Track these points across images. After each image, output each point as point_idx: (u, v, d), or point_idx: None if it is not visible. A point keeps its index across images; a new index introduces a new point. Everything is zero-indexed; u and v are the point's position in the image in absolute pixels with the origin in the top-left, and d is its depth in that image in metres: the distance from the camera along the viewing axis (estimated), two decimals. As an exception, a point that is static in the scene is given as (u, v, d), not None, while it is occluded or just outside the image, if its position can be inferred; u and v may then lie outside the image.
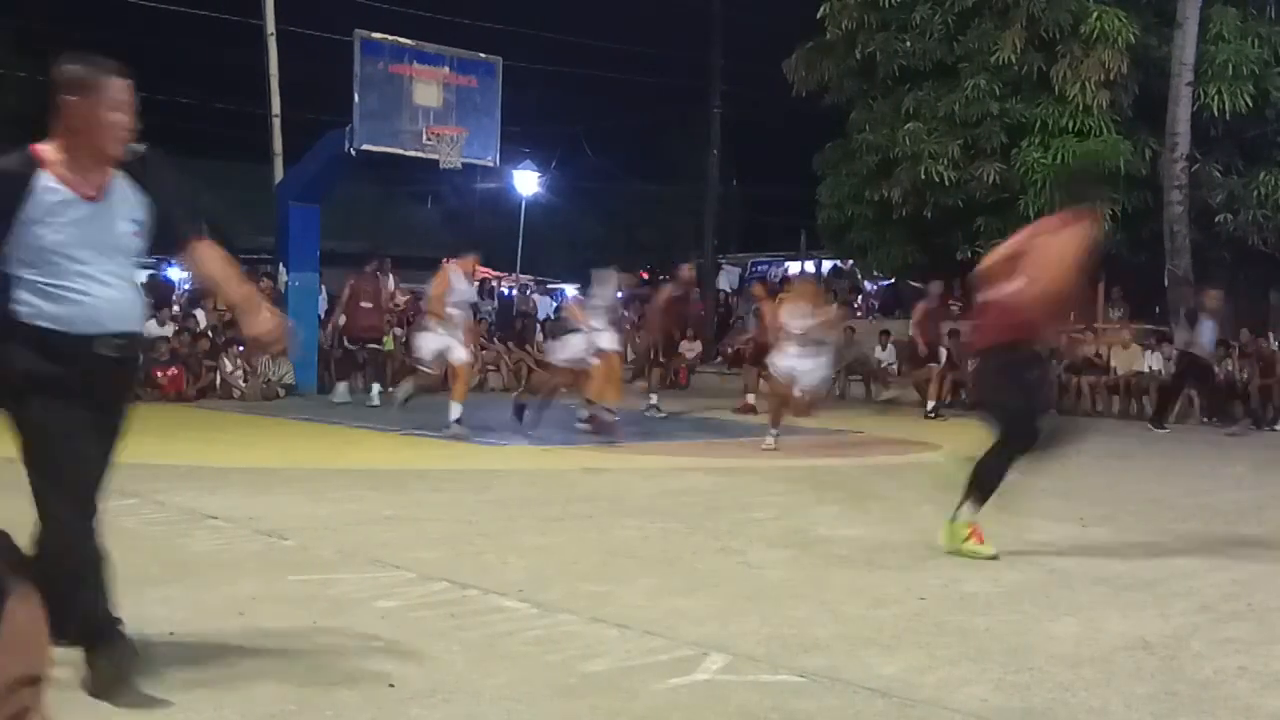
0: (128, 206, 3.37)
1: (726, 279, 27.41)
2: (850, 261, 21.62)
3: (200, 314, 16.41)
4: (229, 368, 14.76)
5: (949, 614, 4.39)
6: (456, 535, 5.76)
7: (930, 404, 14.00)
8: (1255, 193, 16.36)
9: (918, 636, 4.07)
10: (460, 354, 10.55)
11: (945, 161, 16.97)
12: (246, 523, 5.85)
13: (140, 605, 4.23)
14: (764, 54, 20.65)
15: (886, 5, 17.58)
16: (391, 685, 3.39)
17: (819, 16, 18.45)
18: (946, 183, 17.01)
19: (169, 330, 15.32)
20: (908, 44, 17.74)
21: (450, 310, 10.42)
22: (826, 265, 23.90)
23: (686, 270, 15.23)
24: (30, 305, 3.22)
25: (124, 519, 6.00)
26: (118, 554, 5.13)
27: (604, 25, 25.99)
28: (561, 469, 8.66)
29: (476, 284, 11.27)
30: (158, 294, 18.10)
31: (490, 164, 15.89)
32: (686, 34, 25.32)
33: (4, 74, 21.12)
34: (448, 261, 11.05)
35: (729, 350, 20.80)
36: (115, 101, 3.30)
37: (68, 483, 3.27)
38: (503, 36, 21.96)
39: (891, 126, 17.67)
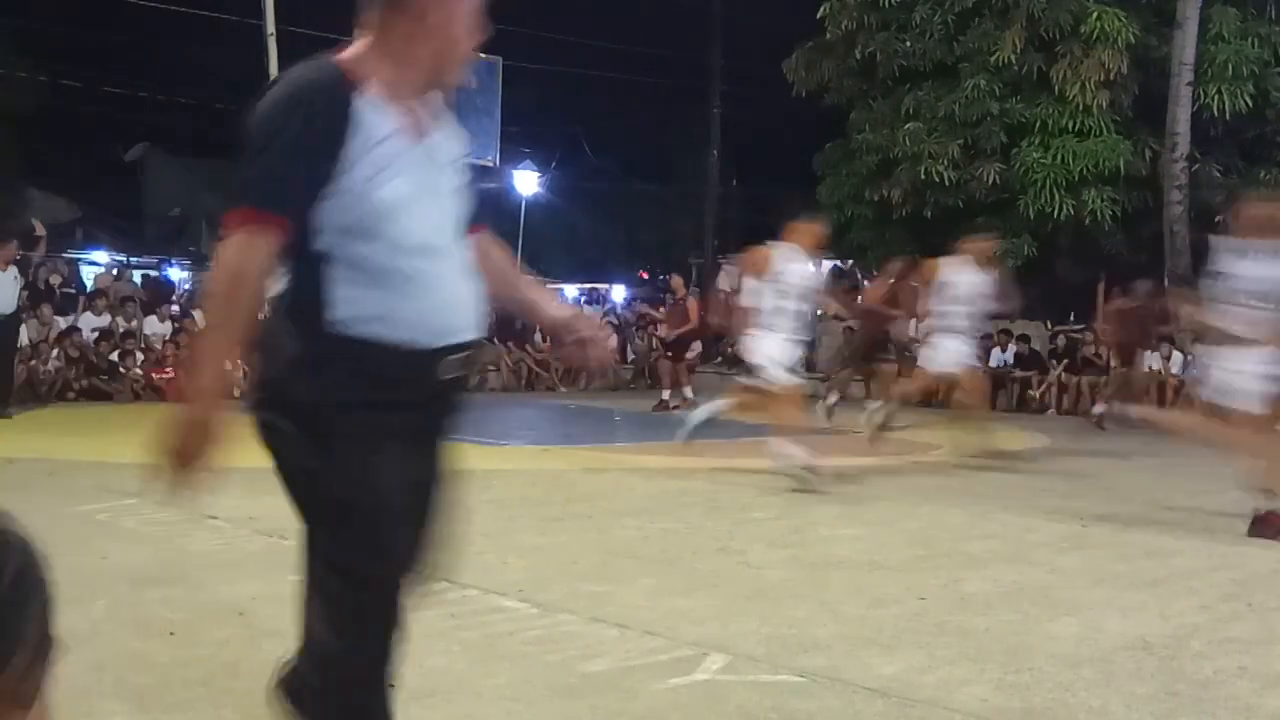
0: (457, 154, 2.31)
1: (726, 279, 27.41)
2: (850, 261, 21.61)
3: (200, 315, 16.42)
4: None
5: (949, 614, 4.39)
6: (456, 535, 5.75)
7: (1104, 408, 12.98)
8: (1255, 193, 16.35)
9: (918, 636, 4.07)
10: (777, 374, 7.73)
11: (945, 161, 16.97)
12: (246, 523, 5.85)
13: (140, 605, 4.24)
14: (764, 54, 20.65)
15: (886, 5, 17.57)
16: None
17: (819, 16, 18.45)
18: (946, 183, 17.01)
19: (168, 330, 15.34)
20: (908, 44, 17.74)
21: (779, 304, 7.76)
22: (826, 265, 23.86)
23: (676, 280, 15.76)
24: (352, 305, 2.09)
25: (124, 519, 6.02)
26: (118, 554, 5.16)
27: (604, 25, 25.99)
28: (561, 469, 8.66)
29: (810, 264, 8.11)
30: (157, 293, 18.15)
31: (490, 164, 15.93)
32: (686, 34, 25.32)
33: (4, 74, 21.12)
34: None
35: (729, 350, 20.80)
36: (473, 2, 2.24)
37: (382, 588, 2.25)
38: (502, 36, 21.95)
39: (891, 126, 17.67)
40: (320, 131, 2.06)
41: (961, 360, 9.22)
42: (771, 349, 7.70)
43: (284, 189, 2.07)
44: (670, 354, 15.13)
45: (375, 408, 2.12)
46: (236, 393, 2.25)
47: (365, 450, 2.12)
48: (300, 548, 2.26)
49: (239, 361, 2.22)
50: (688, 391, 14.81)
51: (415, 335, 2.13)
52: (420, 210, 2.15)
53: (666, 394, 14.68)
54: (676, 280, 16.54)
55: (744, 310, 8.10)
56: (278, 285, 2.14)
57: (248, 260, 2.06)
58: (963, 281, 9.17)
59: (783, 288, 7.71)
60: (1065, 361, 15.77)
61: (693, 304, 15.74)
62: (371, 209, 2.08)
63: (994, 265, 9.39)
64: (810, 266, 7.98)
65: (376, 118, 2.10)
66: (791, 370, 7.75)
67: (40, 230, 12.54)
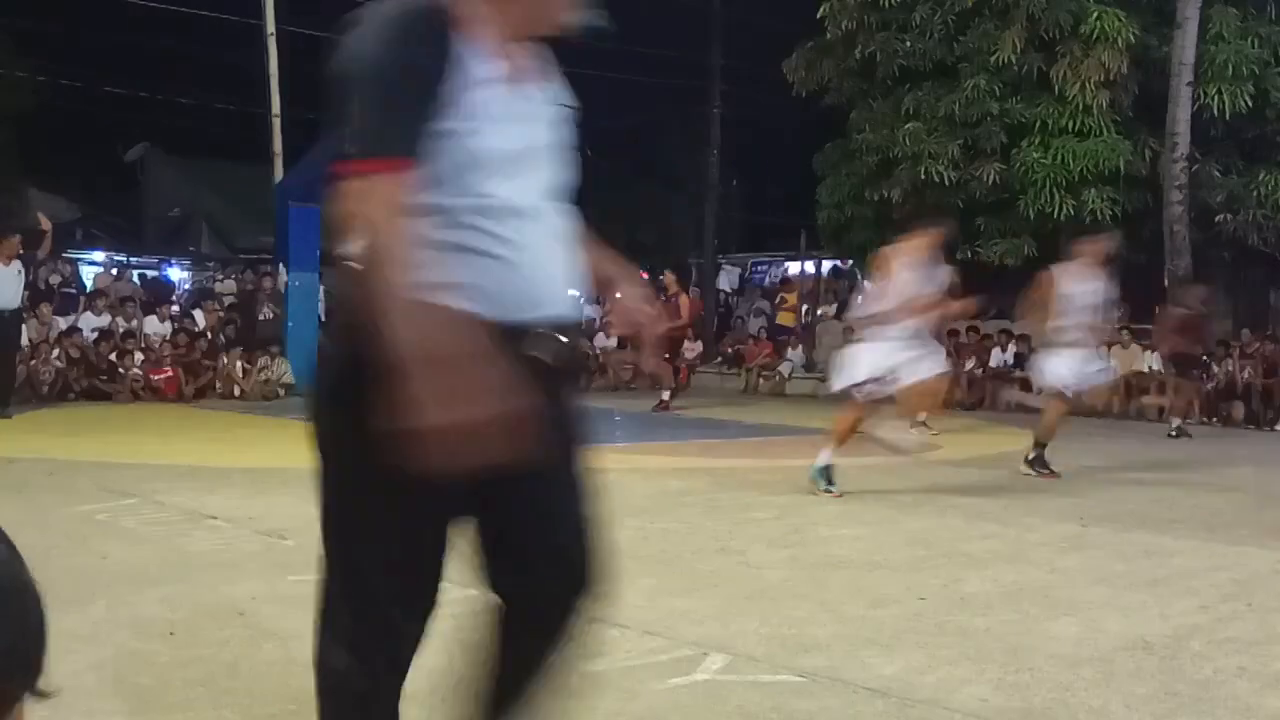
0: (560, 108, 2.08)
1: (726, 279, 27.43)
2: (850, 261, 21.62)
3: (199, 314, 16.44)
4: (228, 367, 14.79)
5: (949, 614, 4.39)
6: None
7: (1175, 422, 12.64)
8: (1255, 193, 16.37)
9: (918, 636, 4.07)
10: (855, 382, 7.27)
11: (945, 161, 16.98)
12: (246, 523, 5.85)
13: (140, 605, 4.24)
14: (764, 54, 20.66)
15: (886, 5, 17.59)
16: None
17: (819, 16, 18.46)
18: (946, 183, 17.02)
19: (168, 330, 15.35)
20: (908, 44, 17.75)
21: (891, 311, 7.24)
22: (826, 265, 23.92)
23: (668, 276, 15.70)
24: (429, 269, 1.82)
25: (124, 519, 6.02)
26: (118, 554, 5.16)
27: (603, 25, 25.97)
28: (561, 469, 8.65)
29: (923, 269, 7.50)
30: (157, 294, 18.15)
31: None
32: (686, 34, 25.32)
33: (4, 74, 21.11)
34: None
35: (729, 350, 20.82)
36: None
37: (379, 588, 2.00)
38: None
39: (891, 126, 17.68)
40: (425, 68, 1.81)
41: (1090, 376, 8.52)
42: (864, 356, 7.24)
43: (402, 128, 1.80)
44: (666, 354, 15.14)
45: None
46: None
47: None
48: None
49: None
50: (669, 383, 14.80)
51: (494, 307, 1.87)
52: (515, 168, 1.91)
53: (666, 394, 14.70)
54: (669, 277, 16.53)
55: (857, 318, 7.64)
56: (352, 244, 1.85)
57: (389, 205, 1.76)
58: (1085, 291, 8.38)
59: (897, 294, 7.22)
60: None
61: (685, 301, 15.74)
62: (461, 162, 1.85)
63: (1108, 266, 8.63)
64: (915, 273, 7.35)
65: (473, 60, 1.85)
66: (879, 379, 7.17)
67: (45, 225, 12.45)
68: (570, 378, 2.12)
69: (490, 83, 1.87)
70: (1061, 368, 8.43)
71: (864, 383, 7.19)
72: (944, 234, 7.74)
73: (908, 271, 7.30)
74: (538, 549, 2.11)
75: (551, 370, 1.97)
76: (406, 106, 1.81)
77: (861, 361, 7.25)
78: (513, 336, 1.89)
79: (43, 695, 0.84)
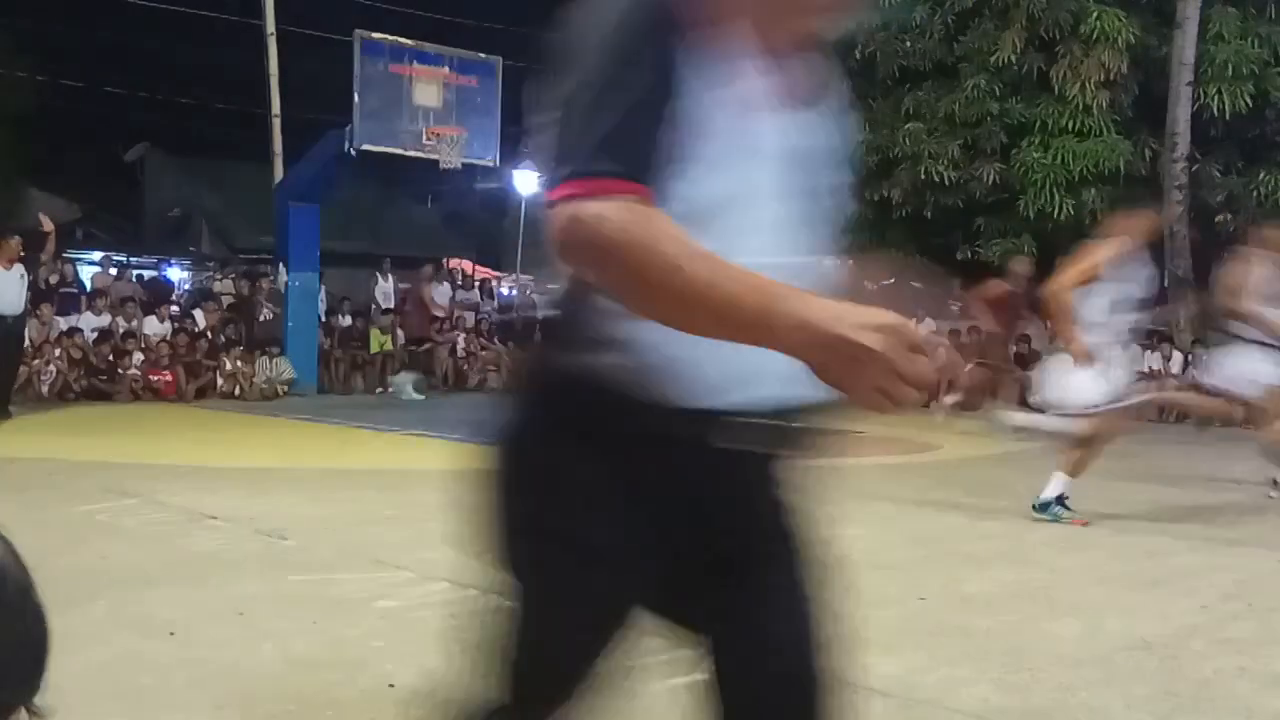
0: (822, 140, 1.58)
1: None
2: (850, 262, 21.64)
3: (199, 314, 16.44)
4: (228, 367, 14.80)
5: (949, 614, 4.39)
6: (457, 535, 5.75)
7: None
8: (1255, 193, 16.37)
9: (918, 636, 4.07)
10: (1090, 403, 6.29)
11: (945, 161, 16.99)
12: (246, 523, 5.85)
13: (140, 605, 4.24)
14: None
15: (886, 5, 17.60)
16: (392, 685, 3.39)
17: (819, 16, 18.46)
18: (946, 183, 17.03)
19: (167, 330, 15.35)
20: (908, 44, 17.76)
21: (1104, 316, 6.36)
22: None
23: None
24: (628, 343, 1.47)
25: (124, 519, 6.01)
26: (118, 554, 5.16)
27: (604, 25, 25.98)
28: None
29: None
30: (157, 293, 18.15)
31: (490, 164, 15.89)
32: (686, 34, 25.32)
33: (4, 74, 21.12)
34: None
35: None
36: None
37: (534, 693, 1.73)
38: (503, 36, 21.99)
39: (891, 126, 17.69)
40: (653, 81, 1.39)
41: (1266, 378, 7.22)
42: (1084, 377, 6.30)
43: (644, 150, 1.38)
44: None
45: (618, 492, 1.58)
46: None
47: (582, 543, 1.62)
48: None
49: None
50: None
51: (697, 390, 1.48)
52: (748, 219, 1.46)
53: None
54: None
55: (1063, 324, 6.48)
56: (544, 303, 1.64)
57: (649, 219, 1.33)
58: (1271, 279, 7.23)
59: (1107, 294, 6.37)
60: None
61: None
62: (674, 211, 1.37)
63: None
64: (1139, 267, 6.46)
65: (703, 78, 1.41)
66: (1112, 396, 6.40)
67: (48, 226, 12.43)
68: (790, 465, 1.70)
69: (721, 108, 1.43)
70: (1245, 365, 7.27)
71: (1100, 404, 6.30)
72: (1154, 225, 6.69)
73: (1118, 268, 6.40)
74: (755, 671, 1.77)
75: (762, 459, 1.62)
76: (649, 124, 1.39)
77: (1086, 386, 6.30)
78: (707, 423, 1.50)
79: (38, 714, 0.83)
